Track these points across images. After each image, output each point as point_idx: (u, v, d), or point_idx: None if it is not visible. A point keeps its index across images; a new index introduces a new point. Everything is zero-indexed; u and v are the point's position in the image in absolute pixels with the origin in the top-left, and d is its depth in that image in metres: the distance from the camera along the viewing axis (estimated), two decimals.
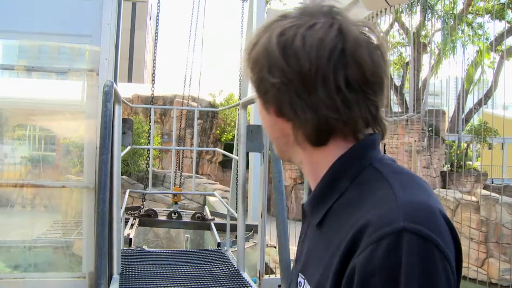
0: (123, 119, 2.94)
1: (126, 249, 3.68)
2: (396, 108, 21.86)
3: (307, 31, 0.71)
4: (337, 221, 0.72)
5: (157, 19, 5.33)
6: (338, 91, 0.70)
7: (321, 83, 0.70)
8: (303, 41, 0.70)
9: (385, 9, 2.23)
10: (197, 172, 11.54)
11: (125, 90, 16.93)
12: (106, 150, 2.16)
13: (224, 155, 15.01)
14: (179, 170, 8.12)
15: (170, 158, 16.19)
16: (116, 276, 2.72)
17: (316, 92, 0.70)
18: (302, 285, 0.77)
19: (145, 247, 4.39)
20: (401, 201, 0.64)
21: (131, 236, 3.98)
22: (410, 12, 19.16)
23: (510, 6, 19.04)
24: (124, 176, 11.43)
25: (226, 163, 17.34)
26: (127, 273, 2.93)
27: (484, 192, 11.89)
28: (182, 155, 10.78)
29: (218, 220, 5.41)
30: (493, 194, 11.60)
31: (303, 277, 0.77)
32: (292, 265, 0.76)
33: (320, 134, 0.74)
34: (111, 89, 2.29)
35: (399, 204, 0.63)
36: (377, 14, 2.40)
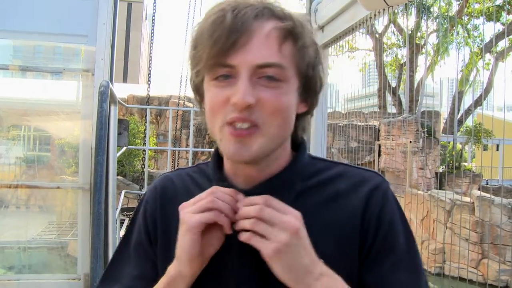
0: (118, 119, 2.92)
1: None
2: (391, 109, 21.93)
3: None
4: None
5: (153, 20, 5.31)
6: None
7: None
8: None
9: (383, 9, 2.22)
10: None
11: (121, 90, 16.89)
12: (102, 151, 2.14)
13: None
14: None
15: (165, 159, 16.15)
16: None
17: None
18: None
19: None
20: None
21: None
22: (406, 13, 19.22)
23: (505, 8, 19.11)
24: (119, 177, 11.38)
25: None
26: None
27: (480, 193, 11.93)
28: (178, 156, 10.74)
29: None
30: (488, 195, 11.65)
31: None
32: None
33: None
34: (107, 89, 2.27)
35: None
36: (375, 15, 2.39)
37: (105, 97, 2.24)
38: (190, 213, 0.77)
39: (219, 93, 0.78)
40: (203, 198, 0.78)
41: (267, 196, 0.78)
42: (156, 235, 0.91)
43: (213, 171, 0.91)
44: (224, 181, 0.86)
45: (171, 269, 0.81)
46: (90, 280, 2.04)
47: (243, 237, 0.76)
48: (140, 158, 11.79)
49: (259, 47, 0.76)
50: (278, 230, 0.74)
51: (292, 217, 0.75)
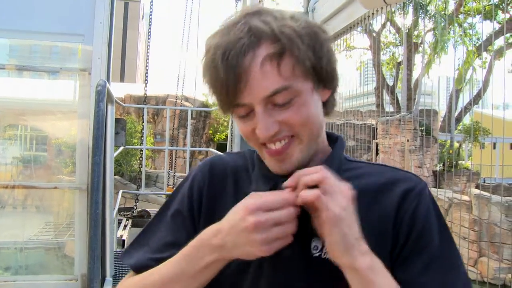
0: (116, 119, 2.91)
1: (120, 251, 3.64)
2: (389, 108, 21.96)
3: None
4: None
5: (150, 19, 5.30)
6: None
7: None
8: None
9: (381, 8, 2.21)
10: None
11: (118, 89, 16.86)
12: (99, 151, 2.13)
13: None
14: (172, 170, 8.07)
15: (162, 158, 16.12)
16: (109, 279, 2.69)
17: None
18: (318, 249, 0.84)
19: None
20: None
21: (124, 238, 3.94)
22: (403, 12, 19.24)
23: (501, 7, 19.15)
24: (116, 177, 11.37)
25: None
26: (120, 275, 2.90)
27: (477, 191, 11.95)
28: (175, 155, 10.74)
29: None
30: (485, 193, 11.67)
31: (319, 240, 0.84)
32: None
33: None
34: (104, 89, 2.26)
35: None
36: (372, 14, 2.39)
37: (102, 96, 2.22)
38: (260, 242, 0.75)
39: (245, 126, 0.83)
40: (277, 214, 0.76)
41: (322, 166, 0.79)
42: (200, 209, 0.92)
43: (261, 169, 0.92)
44: (282, 177, 0.85)
45: (210, 251, 0.80)
46: (88, 281, 2.02)
47: (310, 193, 0.75)
48: (137, 158, 11.77)
49: (259, 80, 0.77)
50: (340, 196, 0.75)
51: (347, 186, 0.78)
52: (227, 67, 0.76)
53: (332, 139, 0.96)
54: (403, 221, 0.83)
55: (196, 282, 0.82)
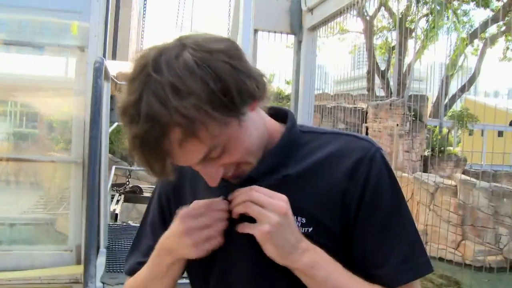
0: (111, 95, 2.98)
1: (112, 224, 3.74)
2: (380, 92, 22.05)
3: None
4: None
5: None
6: None
7: None
8: None
9: None
10: None
11: (110, 67, 16.74)
12: (96, 125, 2.21)
13: None
14: None
15: None
16: (103, 250, 2.79)
17: None
18: (300, 225, 0.89)
19: (130, 222, 4.46)
20: None
21: (117, 212, 4.05)
22: None
23: None
24: (108, 154, 11.39)
25: None
26: (113, 246, 3.01)
27: (463, 176, 12.17)
28: None
29: None
30: (470, 178, 11.90)
31: (301, 218, 0.89)
32: None
33: None
34: (102, 66, 2.33)
35: None
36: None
37: (100, 73, 2.29)
38: (190, 245, 0.86)
39: (194, 167, 0.86)
40: (202, 218, 0.87)
41: (253, 185, 0.87)
42: (171, 212, 1.01)
43: None
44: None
45: (167, 254, 0.93)
46: (85, 249, 2.12)
47: (239, 228, 0.86)
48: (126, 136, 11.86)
49: (185, 156, 0.79)
50: (269, 212, 0.82)
51: (280, 201, 0.84)
52: (150, 155, 0.78)
53: (282, 114, 0.99)
54: (356, 187, 0.88)
55: (164, 283, 0.96)
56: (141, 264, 1.02)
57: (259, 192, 0.85)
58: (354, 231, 0.89)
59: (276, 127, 0.97)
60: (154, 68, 0.76)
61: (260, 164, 0.91)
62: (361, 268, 0.88)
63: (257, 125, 0.89)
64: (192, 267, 0.97)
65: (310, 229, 0.88)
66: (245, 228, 0.86)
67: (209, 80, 0.75)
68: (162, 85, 0.74)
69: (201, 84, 0.74)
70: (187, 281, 1.05)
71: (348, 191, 0.88)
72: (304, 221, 0.88)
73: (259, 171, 0.91)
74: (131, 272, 1.04)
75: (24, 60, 3.49)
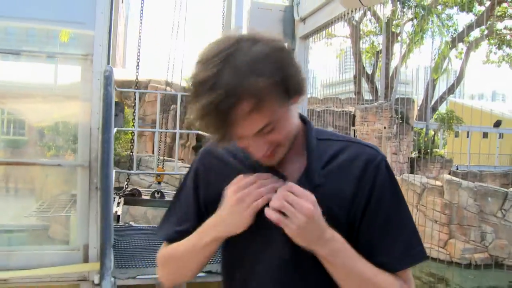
0: (115, 102, 3.13)
1: (115, 225, 3.87)
2: (367, 96, 22.33)
3: None
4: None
5: (141, 7, 5.45)
6: None
7: None
8: None
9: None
10: (171, 156, 11.73)
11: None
12: (108, 130, 2.38)
13: (197, 140, 15.32)
14: (160, 153, 8.30)
15: (144, 143, 16.25)
16: (110, 249, 2.94)
17: None
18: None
19: (131, 223, 4.59)
20: None
21: (118, 213, 4.18)
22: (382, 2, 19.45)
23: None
24: None
25: (199, 148, 17.47)
26: (119, 245, 3.16)
27: (449, 177, 12.44)
28: (159, 139, 10.89)
29: None
30: (456, 179, 12.16)
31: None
32: None
33: None
34: (111, 74, 2.49)
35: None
36: (352, 11, 2.65)
37: (110, 81, 2.46)
38: (243, 205, 1.01)
39: (239, 143, 1.03)
40: (252, 185, 1.03)
41: (290, 183, 1.02)
42: (200, 188, 1.18)
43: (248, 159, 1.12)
44: (263, 167, 1.09)
45: (210, 230, 1.08)
46: (101, 246, 2.28)
47: (269, 212, 0.99)
48: (119, 142, 11.98)
49: (247, 126, 0.94)
50: (298, 212, 0.96)
51: (309, 203, 0.97)
52: (219, 120, 0.92)
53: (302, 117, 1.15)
54: (364, 189, 1.06)
55: (204, 254, 1.12)
56: (177, 233, 1.18)
57: (292, 191, 0.99)
58: (360, 226, 1.07)
59: (300, 125, 1.14)
60: (235, 50, 0.93)
61: (312, 160, 1.09)
62: (366, 256, 1.05)
63: (295, 116, 1.08)
64: (227, 249, 1.15)
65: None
66: (277, 218, 0.98)
67: (278, 68, 0.93)
68: (241, 63, 0.91)
69: (272, 69, 0.92)
70: (204, 274, 1.23)
71: (357, 193, 1.06)
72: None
73: (316, 167, 1.09)
74: (170, 239, 1.19)
75: (33, 69, 3.60)
